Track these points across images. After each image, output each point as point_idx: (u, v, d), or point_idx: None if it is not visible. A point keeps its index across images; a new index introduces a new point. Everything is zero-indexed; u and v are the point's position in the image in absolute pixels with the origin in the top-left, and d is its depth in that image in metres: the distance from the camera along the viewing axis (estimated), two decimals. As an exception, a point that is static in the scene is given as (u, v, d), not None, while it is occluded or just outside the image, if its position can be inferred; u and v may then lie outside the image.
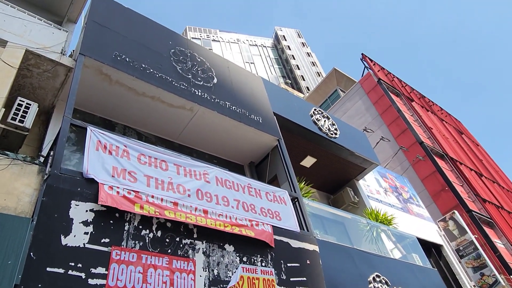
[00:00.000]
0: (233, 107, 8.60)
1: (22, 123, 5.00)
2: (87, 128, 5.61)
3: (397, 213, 13.26)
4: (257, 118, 9.05)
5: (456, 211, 15.30)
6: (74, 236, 4.52)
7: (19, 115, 4.99)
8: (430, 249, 14.23)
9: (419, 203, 16.12)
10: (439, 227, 15.19)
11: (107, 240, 4.77)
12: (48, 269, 4.14)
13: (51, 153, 5.14)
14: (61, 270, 4.22)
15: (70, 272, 4.27)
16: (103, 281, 4.45)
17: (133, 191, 5.38)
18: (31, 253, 4.09)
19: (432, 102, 31.29)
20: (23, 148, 5.88)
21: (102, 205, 4.92)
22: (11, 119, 4.92)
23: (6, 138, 5.07)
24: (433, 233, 14.66)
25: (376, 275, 8.31)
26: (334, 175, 12.63)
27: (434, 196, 19.98)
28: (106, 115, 7.70)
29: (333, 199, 13.10)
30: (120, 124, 7.92)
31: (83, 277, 4.34)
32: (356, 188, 13.08)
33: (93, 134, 5.58)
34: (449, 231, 14.80)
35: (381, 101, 24.58)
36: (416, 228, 13.55)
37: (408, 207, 14.98)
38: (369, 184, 13.99)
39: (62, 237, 4.42)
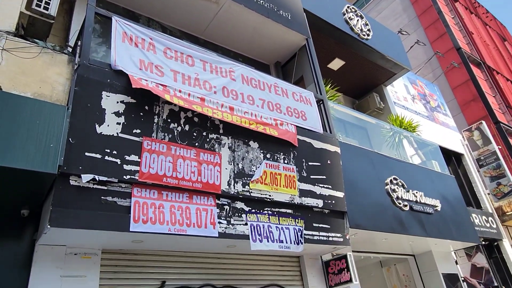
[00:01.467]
0: (261, 1, 8.07)
1: (47, 10, 4.87)
2: (112, 18, 5.45)
3: (422, 120, 13.12)
4: (286, 14, 8.52)
5: (483, 121, 14.98)
6: (108, 125, 4.74)
7: (43, 2, 4.84)
8: (451, 157, 14.36)
9: (446, 112, 15.79)
10: (463, 137, 15.09)
11: (138, 131, 4.99)
12: (86, 153, 4.44)
13: (79, 43, 5.10)
14: (98, 156, 4.53)
15: (106, 157, 4.59)
16: (136, 167, 4.78)
17: (161, 84, 5.42)
18: (70, 139, 4.35)
19: (478, 3, 28.37)
20: (50, 38, 5.84)
21: (132, 98, 5.04)
22: (35, 6, 4.80)
23: (33, 26, 5.01)
24: (456, 143, 14.63)
25: (394, 178, 8.59)
26: (361, 79, 12.26)
27: (463, 106, 19.43)
28: (130, 6, 7.40)
29: (358, 104, 12.94)
30: (144, 16, 7.65)
31: (119, 162, 4.66)
32: (383, 94, 12.79)
33: (119, 25, 5.43)
34: (473, 141, 14.71)
35: (421, 0, 22.45)
36: (439, 137, 13.52)
37: (434, 115, 14.73)
38: (397, 91, 13.62)
39: (97, 125, 4.64)
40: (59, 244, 4.70)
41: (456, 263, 10.64)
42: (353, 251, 8.50)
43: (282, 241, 5.87)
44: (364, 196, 7.69)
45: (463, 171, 14.47)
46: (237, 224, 5.54)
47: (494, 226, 13.09)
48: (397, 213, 8.14)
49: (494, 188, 13.81)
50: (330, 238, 6.63)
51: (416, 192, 8.87)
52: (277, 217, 6.07)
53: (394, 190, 8.40)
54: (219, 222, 5.33)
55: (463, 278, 10.36)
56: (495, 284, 10.22)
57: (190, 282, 5.74)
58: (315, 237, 6.41)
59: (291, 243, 5.97)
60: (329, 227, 6.72)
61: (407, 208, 8.38)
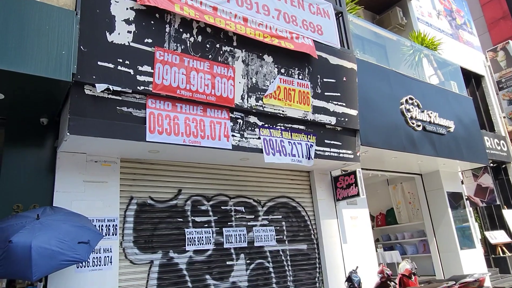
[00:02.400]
0: None
1: None
2: None
3: (445, 38, 12.42)
4: None
5: (510, 41, 14.11)
6: (118, 33, 4.59)
7: None
8: (470, 79, 13.86)
9: (472, 30, 14.85)
10: (486, 58, 14.38)
11: (150, 40, 4.84)
12: (99, 62, 4.38)
13: None
14: (111, 65, 4.47)
15: (119, 67, 4.53)
16: (150, 79, 4.74)
17: (171, -9, 5.10)
18: (81, 46, 4.26)
19: None
20: None
21: (141, 4, 4.79)
22: None
23: None
24: (478, 63, 14.00)
25: (409, 97, 8.42)
26: (384, -9, 11.38)
27: (491, 24, 18.21)
28: None
29: (378, 19, 12.18)
30: None
31: (132, 73, 4.61)
32: (406, 9, 11.96)
33: None
34: (496, 62, 14.04)
35: None
36: (461, 57, 12.90)
37: (458, 33, 13.89)
38: (422, 5, 12.68)
39: (107, 33, 4.50)
40: (79, 152, 4.89)
41: (462, 183, 10.91)
42: (362, 168, 8.75)
43: (294, 155, 6.01)
44: (377, 114, 7.63)
45: (481, 93, 14.08)
46: (250, 138, 5.63)
47: (505, 149, 13.11)
48: (409, 133, 8.13)
49: (510, 111, 13.53)
50: (341, 155, 6.76)
51: (431, 113, 8.76)
52: (289, 133, 6.13)
53: (408, 110, 8.29)
54: (233, 135, 5.42)
55: (466, 197, 10.71)
56: (497, 203, 10.57)
57: (204, 191, 6.05)
58: (326, 153, 6.53)
59: (302, 157, 6.12)
60: (340, 144, 6.80)
61: (420, 128, 8.35)
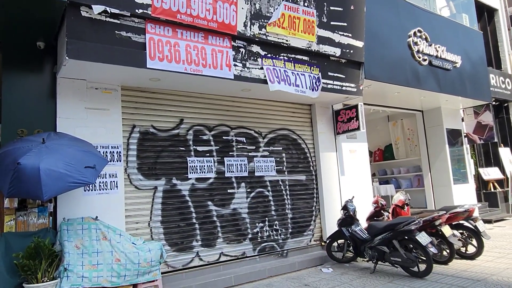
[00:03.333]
0: None
1: None
2: None
3: (461, -33, 11.61)
4: None
5: (531, -28, 13.25)
6: (113, -51, 4.27)
7: None
8: (483, 12, 13.25)
9: (491, -41, 13.84)
10: (502, -11, 13.59)
11: (147, -42, 4.52)
12: (94, -18, 4.14)
13: None
14: (107, -15, 4.23)
15: (116, -12, 4.29)
16: (149, 1, 4.51)
17: None
18: (74, -37, 4.00)
19: None
20: None
21: None
22: None
23: None
24: (493, -5, 13.28)
25: (418, 30, 8.11)
26: None
27: (512, -48, 16.87)
28: None
29: None
30: None
31: (129, -6, 4.38)
32: None
33: None
34: (513, -6, 13.30)
35: None
36: (477, -12, 12.18)
37: (476, -39, 12.96)
38: None
39: (101, -51, 4.19)
40: (79, 78, 4.83)
41: (462, 120, 10.95)
42: (363, 103, 8.72)
43: (298, 86, 5.95)
44: (384, 47, 7.41)
45: (492, 29, 13.55)
46: (253, 68, 5.52)
47: (509, 87, 12.95)
48: (414, 67, 7.97)
49: (520, 48, 13.12)
50: (344, 88, 6.68)
51: (439, 47, 8.50)
52: (292, 63, 6.00)
53: (416, 43, 8.03)
54: (235, 65, 5.31)
55: (465, 134, 10.81)
56: (495, 140, 10.70)
57: (206, 121, 6.08)
58: (329, 86, 6.46)
59: (307, 88, 6.06)
60: (344, 77, 6.70)
61: (426, 63, 8.16)
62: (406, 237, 5.42)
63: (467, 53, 9.40)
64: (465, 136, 10.82)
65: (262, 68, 5.62)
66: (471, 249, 6.41)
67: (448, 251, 6.04)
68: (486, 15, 13.40)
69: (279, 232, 6.62)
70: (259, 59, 5.62)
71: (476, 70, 9.69)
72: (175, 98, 5.78)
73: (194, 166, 5.80)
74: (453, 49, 8.89)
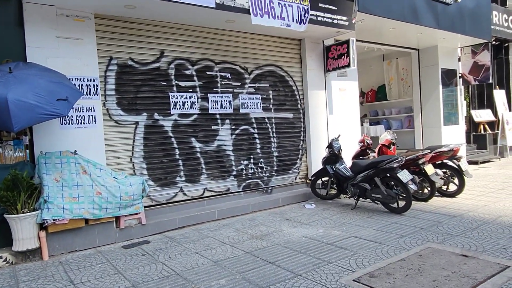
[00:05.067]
0: None
1: None
2: None
3: None
4: None
5: None
6: None
7: None
8: None
9: None
10: None
11: None
12: None
13: None
14: None
15: None
16: None
17: None
18: None
19: None
20: None
21: None
22: None
23: None
24: None
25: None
26: None
27: None
28: None
29: None
30: None
31: None
32: None
33: None
34: None
35: None
36: None
37: None
38: None
39: None
40: (47, 4, 4.48)
41: (459, 60, 10.63)
42: (357, 40, 8.34)
43: (284, 19, 5.60)
44: (380, -23, 6.90)
45: (501, -38, 12.68)
46: (236, -4, 5.15)
47: (512, 26, 12.44)
48: (412, 0, 7.50)
49: (528, -17, 12.37)
50: (335, 21, 6.33)
51: (440, -22, 7.95)
52: (280, -8, 5.60)
53: (416, -26, 7.49)
54: (217, -8, 4.93)
55: (460, 74, 10.56)
56: (490, 81, 10.48)
57: (189, 55, 5.81)
58: (319, 18, 6.10)
59: (293, 21, 5.72)
60: (335, 9, 6.31)
61: (425, -4, 7.68)
62: (388, 175, 5.46)
63: (470, -14, 8.83)
64: (460, 77, 10.58)
65: (247, -3, 5.24)
66: (452, 188, 6.52)
67: (429, 188, 6.14)
68: None
69: (264, 169, 6.66)
70: (244, -13, 5.22)
71: (478, 5, 9.18)
72: (155, 29, 5.45)
73: (177, 101, 5.64)
74: (456, -19, 8.33)
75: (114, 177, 4.82)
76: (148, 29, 5.39)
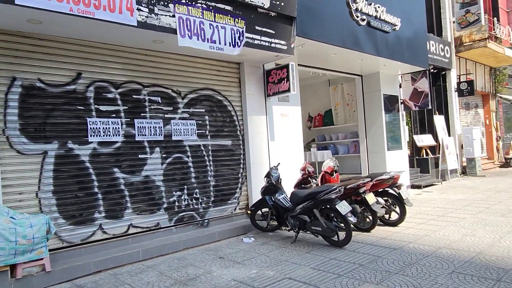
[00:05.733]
0: None
1: None
2: None
3: None
4: None
5: None
6: None
7: None
8: (428, -23, 13.06)
9: None
10: (448, -46, 13.41)
11: None
12: None
13: None
14: None
15: None
16: None
17: None
18: None
19: None
20: None
21: None
22: None
23: None
24: (439, -40, 13.07)
25: (358, -13, 7.60)
26: None
27: None
28: None
29: None
30: None
31: None
32: None
33: None
34: (457, -40, 13.18)
35: None
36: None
37: None
38: None
39: None
40: None
41: (400, 86, 10.90)
42: (300, 65, 8.24)
43: (214, 41, 5.25)
44: (319, 3, 6.83)
45: (436, -3, 13.48)
46: (162, 15, 4.74)
47: (448, 55, 13.12)
48: (352, 27, 7.53)
49: (461, 16, 13.20)
50: (273, 45, 6.09)
51: (378, 7, 8.09)
52: (212, 13, 5.27)
53: (355, 1, 7.54)
54: (139, 9, 4.50)
55: (402, 100, 10.81)
56: (430, 107, 10.81)
57: (112, 77, 5.27)
58: (256, 41, 5.83)
59: (225, 44, 5.38)
60: (273, 32, 6.09)
61: (364, 23, 7.75)
62: (328, 206, 5.15)
63: (407, 16, 9.11)
64: (401, 103, 10.82)
65: (174, 16, 4.84)
66: (394, 216, 6.36)
67: (371, 217, 5.92)
68: (430, -20, 13.23)
69: (200, 200, 6.14)
70: (171, 5, 4.82)
71: (415, 35, 9.49)
72: (70, 48, 4.88)
73: (96, 128, 5.04)
74: (393, 10, 8.54)
75: (11, 217, 4.09)
76: (62, 47, 4.80)
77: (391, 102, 10.40)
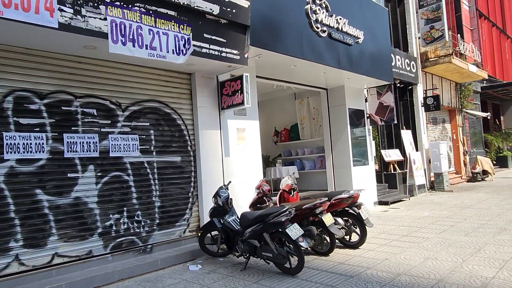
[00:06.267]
0: None
1: None
2: None
3: None
4: None
5: (439, -45, 13.33)
6: None
7: None
8: (392, -8, 13.14)
9: None
10: (412, -29, 13.56)
11: None
12: None
13: None
14: None
15: None
16: None
17: None
18: None
19: None
20: None
21: None
22: None
23: None
24: (403, -24, 13.18)
25: (318, -3, 7.35)
26: None
27: None
28: None
29: None
30: None
31: None
32: None
33: None
34: (421, -24, 13.34)
35: None
36: (387, -35, 11.87)
37: None
38: None
39: None
40: None
41: (366, 100, 10.69)
42: (262, 77, 7.87)
43: (154, 48, 4.76)
44: (276, 11, 6.50)
45: (402, 10, 13.53)
46: (91, 17, 4.22)
47: (414, 70, 13.11)
48: (312, 38, 7.23)
49: (426, 32, 13.29)
50: (224, 54, 5.66)
51: (340, 18, 7.86)
52: (152, 18, 4.79)
53: (315, 12, 7.27)
54: (61, 10, 3.97)
55: (368, 115, 10.59)
56: (395, 122, 10.63)
57: (36, 86, 4.67)
58: (204, 50, 5.39)
59: (168, 51, 4.90)
60: (224, 41, 5.67)
61: (324, 34, 7.47)
62: (280, 229, 4.66)
63: (371, 29, 8.95)
64: (368, 117, 10.60)
65: (106, 19, 4.34)
66: (355, 237, 5.95)
67: (329, 240, 5.48)
68: (395, -4, 13.31)
69: (143, 223, 5.54)
70: (102, 6, 4.32)
71: (379, 48, 9.33)
72: (-17, 52, 4.28)
73: (14, 143, 4.40)
74: (356, 23, 8.34)
75: None
76: (-28, 51, 4.20)
77: (357, 117, 10.16)
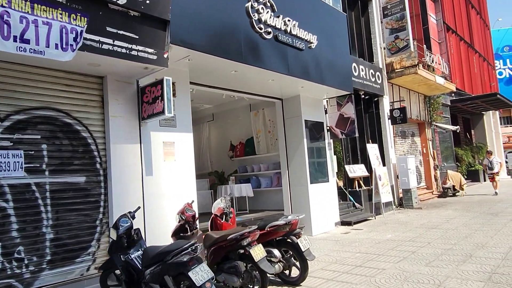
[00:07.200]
0: None
1: None
2: None
3: None
4: None
5: (402, -36, 12.92)
6: None
7: None
8: (357, 1, 12.60)
9: None
10: (376, -21, 13.09)
11: None
12: None
13: None
14: None
15: None
16: None
17: None
18: None
19: None
20: None
21: None
22: None
23: None
24: (367, -16, 12.67)
25: None
26: None
27: None
28: None
29: None
30: None
31: None
32: None
33: None
34: (385, -15, 12.87)
35: None
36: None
37: None
38: None
39: None
40: None
41: (326, 112, 9.89)
42: (196, 83, 6.94)
43: (27, 42, 3.73)
44: (209, 7, 5.61)
45: (366, 20, 12.99)
46: None
47: (379, 81, 12.50)
48: (254, 40, 6.37)
49: (391, 42, 12.75)
50: (135, 53, 4.68)
51: (289, 20, 7.05)
52: (27, 3, 3.78)
53: (257, 11, 6.43)
54: None
55: (328, 128, 9.77)
56: (356, 134, 9.84)
57: None
58: (105, 46, 4.39)
59: (47, 46, 3.87)
60: (136, 37, 4.69)
61: (269, 36, 6.63)
62: (183, 272, 3.64)
63: (327, 34, 8.20)
64: (328, 130, 9.78)
65: (-49, 0, 3.32)
66: (296, 272, 4.98)
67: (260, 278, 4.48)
68: (360, 4, 12.76)
69: (26, 262, 4.40)
70: None
71: (337, 55, 8.59)
72: None
73: None
74: (308, 26, 7.56)
75: None
76: None
77: (316, 129, 9.32)
